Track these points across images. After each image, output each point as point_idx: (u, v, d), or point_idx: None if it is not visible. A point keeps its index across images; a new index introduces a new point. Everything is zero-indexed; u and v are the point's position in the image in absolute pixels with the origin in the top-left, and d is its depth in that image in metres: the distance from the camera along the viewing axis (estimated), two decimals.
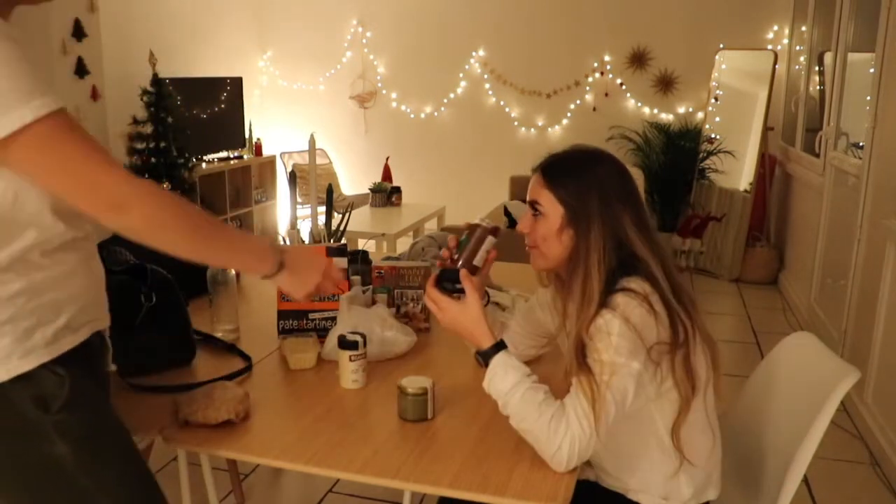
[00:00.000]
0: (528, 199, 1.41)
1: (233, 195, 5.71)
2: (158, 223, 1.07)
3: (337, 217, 2.00)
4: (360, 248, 2.30)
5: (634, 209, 1.34)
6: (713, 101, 5.46)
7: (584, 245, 1.32)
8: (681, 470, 1.36)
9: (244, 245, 1.22)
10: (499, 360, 1.30)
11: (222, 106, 5.69)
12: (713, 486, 1.42)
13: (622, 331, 1.23)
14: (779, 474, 1.46)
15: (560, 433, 1.20)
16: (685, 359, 1.29)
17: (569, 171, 1.38)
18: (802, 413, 1.47)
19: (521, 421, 1.25)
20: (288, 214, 3.95)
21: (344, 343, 1.53)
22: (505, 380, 1.27)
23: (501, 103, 6.07)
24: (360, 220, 4.78)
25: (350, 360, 1.53)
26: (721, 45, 5.45)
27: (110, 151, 1.08)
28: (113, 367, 1.31)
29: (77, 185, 1.02)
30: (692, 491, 1.38)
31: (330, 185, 2.12)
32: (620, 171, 1.38)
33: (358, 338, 1.53)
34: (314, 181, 2.02)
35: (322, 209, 2.00)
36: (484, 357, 1.32)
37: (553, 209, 1.36)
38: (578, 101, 5.87)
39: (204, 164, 5.38)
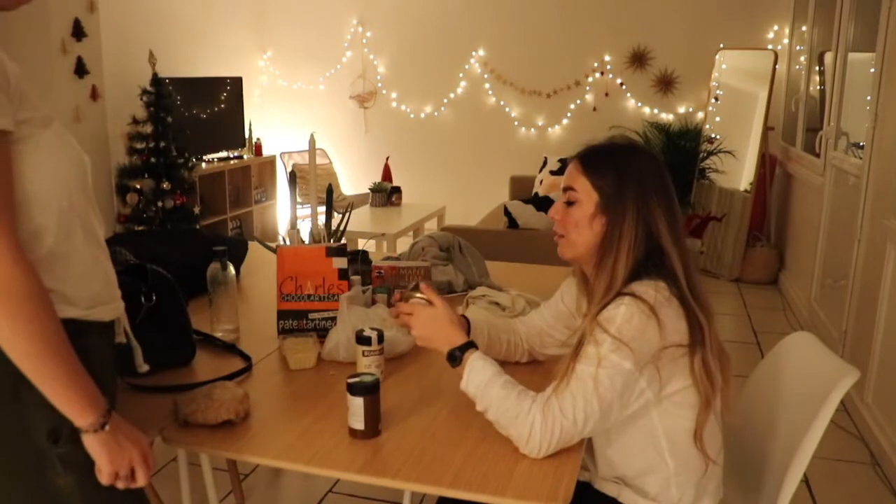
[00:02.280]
0: (562, 186, 1.43)
1: (233, 195, 5.71)
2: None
3: (337, 217, 2.00)
4: (360, 248, 2.30)
5: (667, 203, 1.36)
6: (713, 100, 5.46)
7: (616, 232, 1.34)
8: (676, 474, 1.36)
9: (77, 382, 1.05)
10: (477, 354, 1.35)
11: (222, 106, 5.69)
12: (709, 496, 1.41)
13: (621, 331, 1.24)
14: (778, 474, 1.46)
15: (539, 418, 1.22)
16: (703, 358, 1.30)
17: (607, 160, 1.40)
18: (802, 413, 1.47)
19: (502, 403, 1.27)
20: (288, 214, 3.95)
21: (359, 338, 1.53)
22: (484, 371, 1.31)
23: (501, 103, 6.07)
24: (360, 220, 4.78)
25: (364, 355, 1.53)
26: (721, 45, 5.45)
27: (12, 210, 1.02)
28: (145, 368, 1.32)
29: None
30: (690, 498, 1.38)
31: (330, 185, 2.11)
32: (658, 165, 1.40)
33: (373, 333, 1.53)
34: (314, 181, 2.02)
35: (322, 209, 2.00)
36: (461, 350, 1.36)
37: (588, 196, 1.38)
38: (578, 101, 5.87)
39: (204, 164, 5.39)
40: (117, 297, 1.23)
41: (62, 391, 1.04)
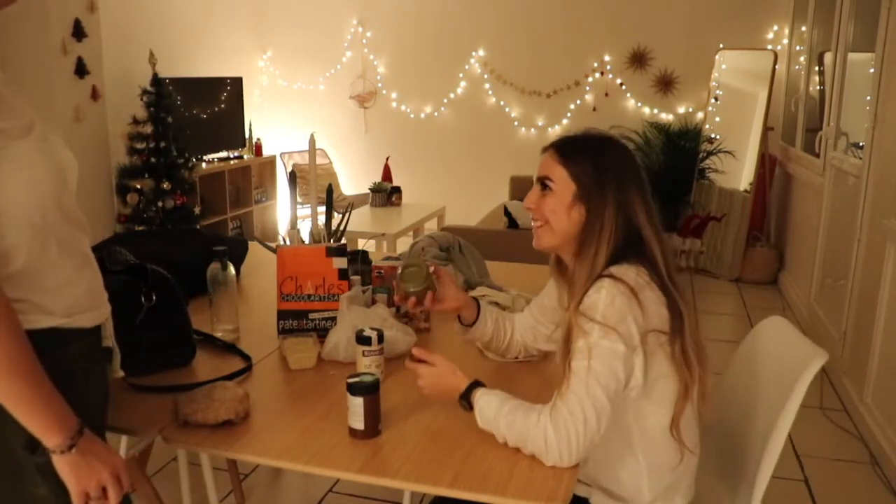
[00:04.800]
0: (537, 175, 1.43)
1: (233, 195, 5.71)
2: None
3: (337, 217, 2.00)
4: (360, 248, 2.30)
5: (644, 194, 1.37)
6: (713, 101, 5.46)
7: (598, 222, 1.34)
8: (649, 472, 1.35)
9: (44, 402, 1.03)
10: (480, 393, 1.32)
11: (222, 106, 5.69)
12: (681, 496, 1.41)
13: (606, 316, 1.24)
14: (756, 461, 1.47)
15: (550, 427, 1.21)
16: (682, 346, 1.30)
17: (585, 150, 1.40)
18: (777, 398, 1.48)
19: (511, 428, 1.25)
20: (288, 214, 3.95)
21: (359, 338, 1.54)
22: (490, 406, 1.29)
23: (501, 103, 6.07)
24: (360, 220, 4.78)
25: (364, 355, 1.53)
26: (721, 45, 5.45)
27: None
28: (120, 374, 1.30)
29: None
30: (662, 498, 1.38)
31: (330, 185, 2.11)
32: (632, 156, 1.41)
33: (373, 333, 1.53)
34: (314, 181, 2.02)
35: (322, 209, 2.00)
36: (466, 394, 1.33)
37: (564, 185, 1.38)
38: (578, 101, 5.87)
39: (204, 164, 5.39)
40: (102, 303, 1.20)
41: (27, 411, 1.01)
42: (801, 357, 1.49)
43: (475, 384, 1.35)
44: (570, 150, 1.40)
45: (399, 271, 1.55)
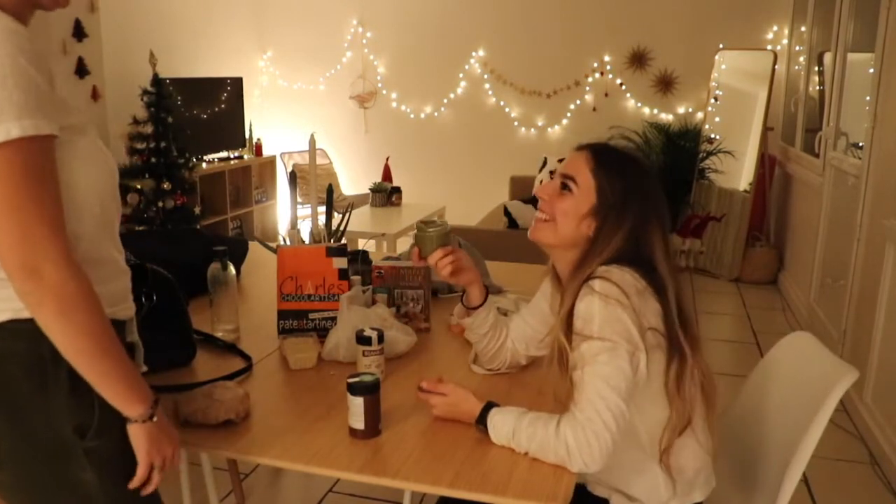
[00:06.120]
0: (562, 171, 1.39)
1: (233, 195, 5.71)
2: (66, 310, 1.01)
3: (337, 217, 2.00)
4: (360, 248, 2.30)
5: (664, 231, 1.35)
6: (713, 101, 5.46)
7: (605, 243, 1.32)
8: (660, 471, 1.35)
9: (127, 375, 1.09)
10: (494, 411, 1.31)
11: (222, 106, 5.69)
12: (698, 489, 1.40)
13: (602, 329, 1.23)
14: (777, 474, 1.47)
15: (570, 435, 1.20)
16: (678, 377, 1.29)
17: (620, 168, 1.37)
18: (801, 413, 1.48)
19: (532, 440, 1.24)
20: (288, 214, 3.95)
21: (359, 338, 1.54)
22: (506, 421, 1.28)
23: (501, 103, 6.07)
24: (360, 220, 4.78)
25: (364, 355, 1.53)
26: (721, 45, 5.45)
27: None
28: (143, 368, 1.32)
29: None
30: (680, 496, 1.37)
31: (330, 185, 2.12)
32: (661, 191, 1.38)
33: (373, 333, 1.53)
34: (314, 181, 2.02)
35: (322, 209, 2.00)
36: (481, 418, 1.31)
37: (586, 194, 1.35)
38: (578, 101, 5.87)
39: (204, 164, 5.39)
40: (130, 297, 1.25)
41: (114, 385, 1.07)
42: (829, 373, 1.48)
43: (489, 406, 1.32)
44: (606, 161, 1.37)
45: (421, 233, 1.50)
